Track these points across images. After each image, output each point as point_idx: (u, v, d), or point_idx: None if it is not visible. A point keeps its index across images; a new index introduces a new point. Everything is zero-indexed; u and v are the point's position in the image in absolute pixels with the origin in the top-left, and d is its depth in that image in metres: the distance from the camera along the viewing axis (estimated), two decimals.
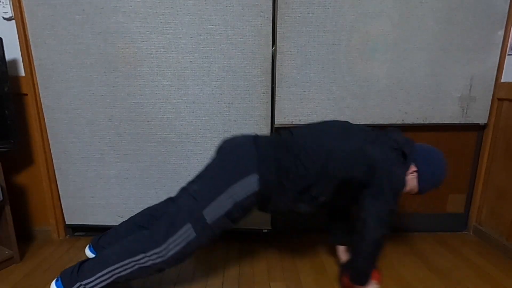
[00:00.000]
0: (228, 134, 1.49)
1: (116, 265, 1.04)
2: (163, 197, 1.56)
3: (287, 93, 1.47)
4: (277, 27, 1.39)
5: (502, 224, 1.51)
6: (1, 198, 1.29)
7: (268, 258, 1.46)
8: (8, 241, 1.38)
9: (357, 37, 1.41)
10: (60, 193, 1.57)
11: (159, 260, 1.04)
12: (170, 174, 1.54)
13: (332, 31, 1.40)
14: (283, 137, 1.14)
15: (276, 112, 1.49)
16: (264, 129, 1.50)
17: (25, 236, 1.60)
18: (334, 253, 1.49)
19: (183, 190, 1.20)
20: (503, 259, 1.45)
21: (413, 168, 1.09)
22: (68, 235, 1.65)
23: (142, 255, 1.03)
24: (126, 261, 1.04)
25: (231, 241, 1.61)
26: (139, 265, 1.04)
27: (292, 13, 1.37)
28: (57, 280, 1.06)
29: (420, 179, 1.10)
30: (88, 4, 1.34)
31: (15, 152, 1.49)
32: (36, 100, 1.45)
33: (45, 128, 1.48)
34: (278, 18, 1.38)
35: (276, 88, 1.46)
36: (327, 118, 1.50)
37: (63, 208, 1.59)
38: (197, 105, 1.46)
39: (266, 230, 1.63)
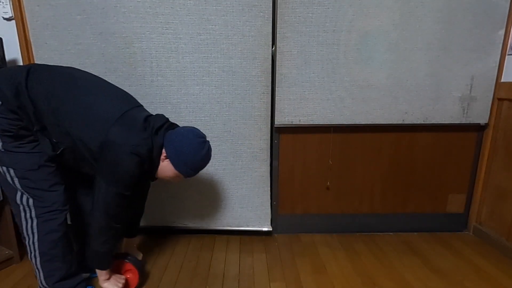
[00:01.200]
0: (228, 134, 1.50)
1: (28, 251, 1.08)
2: (163, 197, 1.57)
3: (287, 93, 1.47)
4: (277, 27, 1.39)
5: (502, 224, 1.51)
6: (1, 198, 1.29)
7: (268, 258, 1.46)
8: (8, 241, 1.38)
9: (357, 37, 1.41)
10: None
11: (33, 212, 1.05)
12: None
13: (332, 31, 1.40)
14: (40, 67, 1.08)
15: (276, 112, 1.49)
16: (264, 129, 1.50)
17: None
18: (334, 253, 1.50)
19: None
20: (503, 259, 1.45)
21: (163, 153, 1.07)
22: None
23: (24, 223, 1.06)
24: (26, 242, 1.07)
25: (231, 241, 1.61)
26: (34, 235, 1.06)
27: (292, 13, 1.37)
28: None
29: (172, 162, 1.06)
30: (88, 4, 1.34)
31: None
32: None
33: None
34: (278, 18, 1.38)
35: (276, 88, 1.46)
36: (327, 118, 1.50)
37: None
38: (197, 105, 1.46)
39: (266, 230, 1.63)
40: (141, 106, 1.15)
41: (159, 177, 1.13)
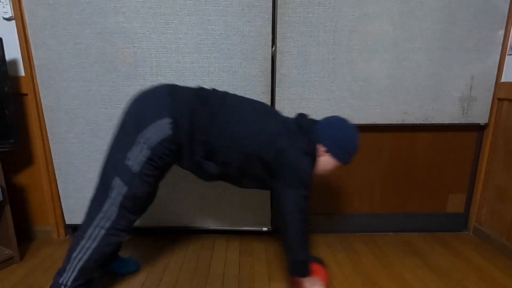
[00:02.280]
0: None
1: (77, 250, 1.05)
2: (163, 197, 1.57)
3: (287, 93, 1.47)
4: (277, 27, 1.39)
5: (502, 224, 1.51)
6: (1, 198, 1.29)
7: (268, 258, 1.46)
8: (8, 241, 1.38)
9: (357, 37, 1.41)
10: (60, 193, 1.57)
11: (108, 224, 1.04)
12: (169, 173, 1.53)
13: (332, 31, 1.40)
14: (206, 92, 1.11)
15: None
16: None
17: (25, 236, 1.60)
18: (334, 253, 1.49)
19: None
20: (503, 259, 1.45)
21: (321, 148, 1.07)
22: (68, 235, 1.65)
23: (92, 227, 1.04)
24: (82, 243, 1.05)
25: (231, 241, 1.61)
26: (94, 242, 1.05)
27: (292, 13, 1.37)
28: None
29: (333, 155, 1.08)
30: (88, 4, 1.34)
31: (15, 152, 1.49)
32: (36, 100, 1.45)
33: (45, 128, 1.48)
34: (278, 18, 1.38)
35: (276, 88, 1.46)
36: None
37: (63, 208, 1.59)
38: None
39: (266, 230, 1.63)
40: (278, 111, 1.19)
41: (318, 173, 1.13)
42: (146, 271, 1.35)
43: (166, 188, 1.55)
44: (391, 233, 1.69)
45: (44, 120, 1.48)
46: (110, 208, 1.04)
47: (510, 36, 1.44)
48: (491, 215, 1.58)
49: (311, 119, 1.13)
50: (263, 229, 1.63)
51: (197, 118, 1.03)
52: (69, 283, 1.08)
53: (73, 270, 1.07)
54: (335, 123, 1.09)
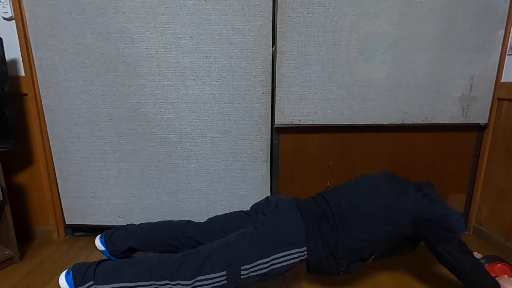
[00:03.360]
0: (228, 134, 1.50)
1: (137, 283, 1.01)
2: (163, 197, 1.57)
3: (287, 93, 1.47)
4: (277, 27, 1.39)
5: (502, 224, 1.51)
6: (1, 198, 1.29)
7: None
8: (8, 241, 1.38)
9: (357, 37, 1.41)
10: (60, 193, 1.57)
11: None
12: (170, 174, 1.54)
13: (332, 31, 1.40)
14: (322, 207, 1.16)
15: (276, 112, 1.49)
16: (264, 129, 1.50)
17: (25, 236, 1.60)
18: None
19: (215, 224, 1.23)
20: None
21: None
22: (68, 235, 1.65)
23: (167, 281, 1.01)
24: (148, 282, 1.01)
25: None
26: None
27: (292, 13, 1.37)
28: (67, 274, 1.02)
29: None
30: (88, 4, 1.34)
31: (15, 152, 1.49)
32: (36, 100, 1.45)
33: (45, 128, 1.48)
34: (278, 18, 1.38)
35: (276, 88, 1.46)
36: (327, 118, 1.50)
37: (63, 208, 1.59)
38: (197, 105, 1.46)
39: None
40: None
41: None
42: None
43: (167, 189, 1.56)
44: None
45: (44, 120, 1.48)
46: (194, 284, 1.01)
47: (510, 36, 1.44)
48: (491, 215, 1.58)
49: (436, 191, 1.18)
50: None
51: (328, 240, 1.07)
52: None
53: None
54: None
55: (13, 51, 1.40)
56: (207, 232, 1.21)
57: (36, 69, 1.42)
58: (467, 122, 1.54)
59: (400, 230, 1.09)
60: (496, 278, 1.10)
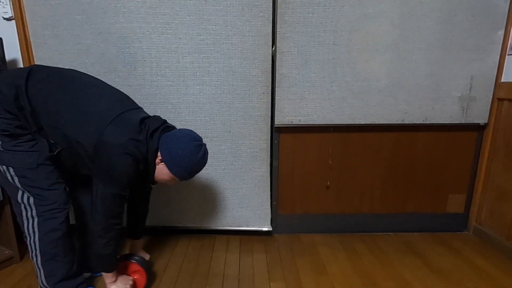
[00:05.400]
0: (228, 134, 1.50)
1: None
2: (163, 197, 1.57)
3: (287, 93, 1.47)
4: (277, 27, 1.39)
5: (502, 224, 1.51)
6: (1, 198, 1.29)
7: (268, 258, 1.46)
8: (8, 241, 1.38)
9: (357, 37, 1.41)
10: None
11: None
12: None
13: (332, 31, 1.40)
14: (40, 69, 1.07)
15: (276, 112, 1.49)
16: (264, 129, 1.50)
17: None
18: (334, 253, 1.49)
19: None
20: (503, 259, 1.45)
21: (159, 156, 1.06)
22: None
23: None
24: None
25: (231, 241, 1.61)
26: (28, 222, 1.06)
27: (292, 13, 1.37)
28: None
29: (167, 166, 1.06)
30: (88, 4, 1.34)
31: None
32: None
33: None
34: (278, 18, 1.38)
35: (276, 88, 1.46)
36: (327, 118, 1.50)
37: None
38: (197, 105, 1.46)
39: (266, 230, 1.63)
40: (140, 108, 1.15)
41: (156, 180, 1.13)
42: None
43: (167, 188, 1.55)
44: (391, 233, 1.69)
45: None
46: (23, 195, 1.05)
47: (510, 36, 1.44)
48: (491, 215, 1.58)
49: (165, 127, 1.10)
50: (263, 229, 1.63)
51: (23, 92, 0.99)
52: (45, 283, 1.10)
53: (39, 269, 1.09)
54: (180, 137, 1.06)
55: (13, 51, 1.40)
56: None
57: None
58: (467, 122, 1.54)
59: (80, 137, 1.01)
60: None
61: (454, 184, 1.66)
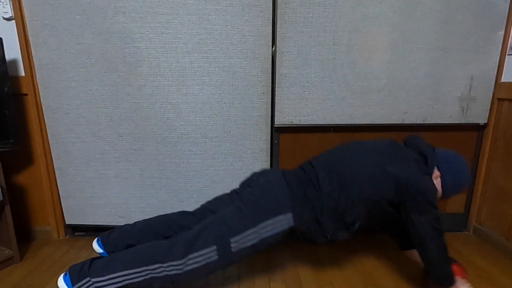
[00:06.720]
0: (228, 134, 1.50)
1: (130, 271, 1.02)
2: (163, 197, 1.57)
3: (287, 93, 1.47)
4: (277, 27, 1.39)
5: (502, 224, 1.51)
6: (1, 198, 1.29)
7: (269, 258, 1.46)
8: (8, 241, 1.38)
9: (357, 37, 1.41)
10: (60, 193, 1.57)
11: (174, 272, 1.02)
12: (170, 174, 1.54)
13: (332, 31, 1.40)
14: (307, 172, 1.16)
15: (276, 112, 1.49)
16: (264, 129, 1.50)
17: (25, 236, 1.60)
18: (334, 253, 1.49)
19: (206, 209, 1.23)
20: (503, 259, 1.45)
21: (436, 173, 1.11)
22: (68, 235, 1.65)
23: (159, 265, 1.02)
24: (141, 269, 1.03)
25: None
26: (152, 275, 1.03)
27: (292, 13, 1.37)
28: (65, 275, 1.04)
29: (443, 184, 1.11)
30: (88, 4, 1.34)
31: (15, 152, 1.49)
32: (36, 100, 1.45)
33: (45, 128, 1.48)
34: (278, 18, 1.38)
35: (276, 88, 1.46)
36: (327, 118, 1.50)
37: (63, 208, 1.59)
38: (197, 105, 1.46)
39: None
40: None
41: None
42: None
43: (168, 189, 1.56)
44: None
45: (44, 120, 1.48)
46: (186, 262, 1.02)
47: (510, 36, 1.44)
48: (491, 215, 1.58)
49: (425, 143, 1.15)
50: None
51: (313, 203, 1.08)
52: None
53: (113, 284, 1.03)
54: (457, 156, 1.14)
55: (13, 51, 1.40)
56: (201, 217, 1.22)
57: (36, 69, 1.42)
58: (467, 122, 1.54)
59: (382, 191, 1.07)
60: None
61: None
